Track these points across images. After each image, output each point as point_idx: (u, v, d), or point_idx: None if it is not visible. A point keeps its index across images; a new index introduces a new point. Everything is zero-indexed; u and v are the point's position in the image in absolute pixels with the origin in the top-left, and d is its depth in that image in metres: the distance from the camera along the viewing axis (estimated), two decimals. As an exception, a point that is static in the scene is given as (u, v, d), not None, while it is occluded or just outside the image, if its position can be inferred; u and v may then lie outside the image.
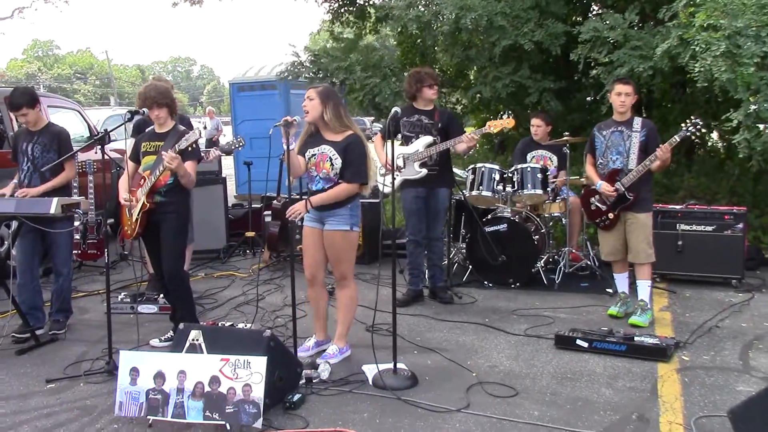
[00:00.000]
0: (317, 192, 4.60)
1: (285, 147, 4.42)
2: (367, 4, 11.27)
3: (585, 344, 4.82)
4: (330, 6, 11.29)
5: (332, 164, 4.54)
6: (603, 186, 5.47)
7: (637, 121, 5.41)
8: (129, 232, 5.03)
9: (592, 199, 5.62)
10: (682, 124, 5.31)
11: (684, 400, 4.03)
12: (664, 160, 5.28)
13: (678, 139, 5.23)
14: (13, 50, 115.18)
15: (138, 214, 4.87)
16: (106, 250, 4.90)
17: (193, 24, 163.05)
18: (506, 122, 5.91)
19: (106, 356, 4.72)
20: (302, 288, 6.23)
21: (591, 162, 5.71)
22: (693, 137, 5.17)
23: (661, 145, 5.23)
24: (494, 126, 5.88)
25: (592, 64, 7.27)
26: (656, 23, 7.24)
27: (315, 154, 4.61)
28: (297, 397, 4.01)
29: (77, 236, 7.10)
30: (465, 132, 6.00)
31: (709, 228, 6.43)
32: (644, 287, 5.51)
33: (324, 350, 4.86)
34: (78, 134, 9.25)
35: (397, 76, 9.32)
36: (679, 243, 6.46)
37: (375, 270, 6.90)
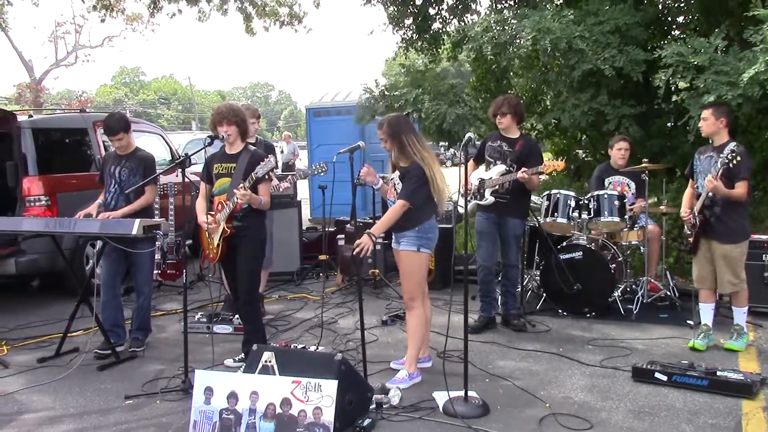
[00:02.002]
0: None
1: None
2: (441, 30, 11.32)
3: (664, 378, 4.66)
4: (404, 34, 11.38)
5: (396, 189, 4.74)
6: (682, 211, 5.55)
7: (729, 147, 5.25)
8: (211, 256, 5.16)
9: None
10: (723, 152, 5.13)
11: (771, 441, 3.85)
12: (712, 189, 5.15)
13: (720, 167, 5.08)
14: (103, 77, 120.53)
15: (219, 240, 4.98)
16: (184, 270, 5.04)
17: (271, 50, 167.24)
18: (557, 164, 5.95)
19: (182, 375, 4.83)
20: (373, 313, 6.27)
21: (691, 185, 5.70)
22: (731, 165, 5.01)
23: (709, 175, 5.15)
24: (547, 167, 5.90)
25: (674, 89, 7.09)
26: (742, 46, 7.01)
27: (391, 179, 4.81)
28: (367, 422, 4.00)
29: (157, 256, 7.32)
30: (541, 163, 5.93)
31: (799, 259, 6.14)
32: (739, 313, 5.47)
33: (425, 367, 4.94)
34: (161, 158, 9.59)
35: (465, 101, 9.32)
36: (766, 275, 6.20)
37: (447, 295, 6.87)
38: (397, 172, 4.75)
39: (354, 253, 4.47)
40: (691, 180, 5.69)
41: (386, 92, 9.74)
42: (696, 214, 5.34)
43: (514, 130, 6.06)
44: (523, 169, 5.75)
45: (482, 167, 6.20)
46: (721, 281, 5.37)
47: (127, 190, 5.61)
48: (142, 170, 5.70)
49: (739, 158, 5.02)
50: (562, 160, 6.07)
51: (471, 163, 6.24)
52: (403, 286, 4.84)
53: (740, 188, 5.20)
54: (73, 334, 5.83)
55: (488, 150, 6.11)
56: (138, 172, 5.69)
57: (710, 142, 5.49)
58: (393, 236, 4.89)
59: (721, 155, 5.07)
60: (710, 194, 5.25)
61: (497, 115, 6.02)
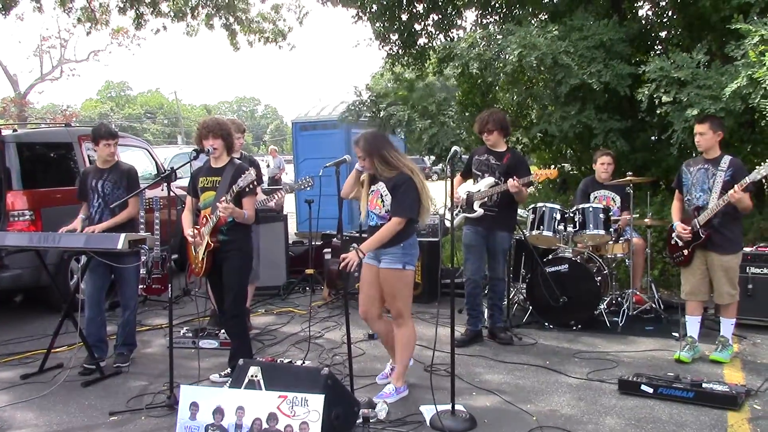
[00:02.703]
0: (374, 228, 4.63)
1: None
2: (427, 45, 11.39)
3: (650, 390, 4.67)
4: (390, 49, 11.44)
5: (383, 201, 4.60)
6: (678, 226, 5.48)
7: (725, 160, 5.30)
8: (197, 270, 5.14)
9: (673, 234, 5.57)
10: (756, 167, 5.14)
11: (756, 452, 3.87)
12: (737, 201, 5.12)
13: (749, 181, 5.08)
14: (88, 91, 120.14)
15: (204, 254, 4.97)
16: (169, 285, 5.02)
17: (258, 65, 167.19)
18: (550, 173, 6.04)
19: (167, 390, 4.79)
20: (360, 326, 6.25)
21: (677, 197, 5.71)
22: (764, 179, 5.03)
23: (735, 187, 5.10)
24: (539, 176, 5.95)
25: (657, 103, 7.16)
26: (724, 61, 7.10)
27: (373, 191, 4.69)
28: (354, 436, 3.99)
29: (143, 271, 7.28)
30: (529, 175, 5.97)
31: (782, 271, 6.19)
32: (726, 325, 5.49)
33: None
34: (147, 172, 9.55)
35: (456, 123, 9.38)
36: (749, 287, 6.25)
37: (434, 309, 6.88)
38: (381, 184, 4.62)
39: (339, 268, 4.46)
40: (677, 192, 5.71)
41: (375, 99, 9.78)
42: (701, 226, 5.31)
43: (501, 144, 6.09)
44: (514, 177, 5.78)
45: (470, 181, 6.22)
46: (720, 293, 5.38)
47: (111, 203, 5.59)
48: (126, 183, 5.67)
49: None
50: (554, 168, 6.11)
51: (458, 177, 6.25)
52: (390, 305, 4.70)
53: (749, 200, 5.24)
54: (57, 350, 5.76)
55: (475, 163, 6.14)
56: (121, 184, 5.66)
57: (700, 154, 5.50)
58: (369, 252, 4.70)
59: (761, 169, 5.01)
60: (722, 207, 5.19)
61: (484, 132, 6.04)
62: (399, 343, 4.81)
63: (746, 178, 5.09)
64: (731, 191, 5.10)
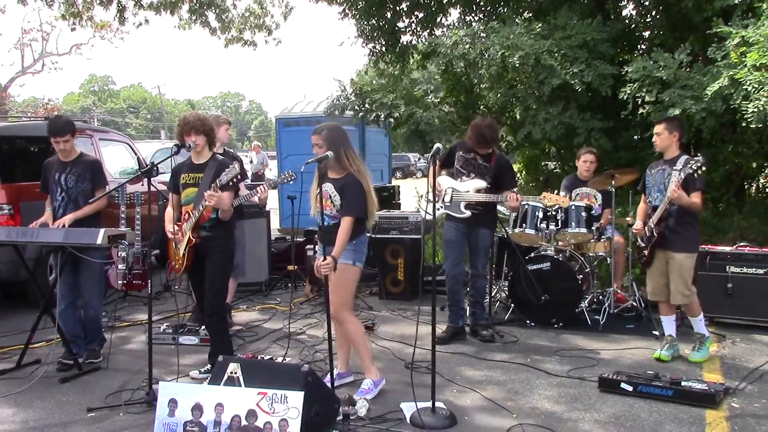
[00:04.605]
0: (325, 228, 4.69)
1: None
2: (409, 44, 11.38)
3: (630, 388, 4.69)
4: (373, 47, 11.42)
5: (332, 201, 4.67)
6: (635, 225, 5.62)
7: (681, 160, 5.34)
8: (177, 266, 5.10)
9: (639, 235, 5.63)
10: (689, 161, 5.18)
11: (734, 450, 3.89)
12: (676, 199, 5.18)
13: (682, 176, 5.13)
14: (71, 85, 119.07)
15: (185, 249, 4.93)
16: (149, 280, 4.98)
17: (242, 60, 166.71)
18: (561, 200, 5.98)
19: (146, 386, 4.75)
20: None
21: (643, 200, 5.76)
22: (696, 174, 5.08)
23: (672, 185, 5.17)
24: (549, 199, 5.96)
25: (640, 102, 7.19)
26: (705, 62, 7.14)
27: (320, 192, 4.72)
28: (333, 433, 3.97)
29: (122, 266, 7.21)
30: (516, 183, 5.98)
31: (761, 271, 6.24)
32: (696, 323, 5.54)
33: (346, 383, 4.91)
34: (128, 167, 9.47)
35: (438, 107, 9.38)
36: (729, 285, 6.29)
37: (415, 306, 6.88)
38: (329, 185, 4.67)
39: (315, 275, 4.51)
40: (643, 195, 5.76)
41: (359, 92, 9.76)
42: (653, 226, 5.39)
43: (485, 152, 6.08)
44: (514, 197, 5.78)
45: (447, 177, 6.19)
46: (674, 293, 5.40)
47: (75, 197, 5.50)
48: (90, 175, 5.56)
49: (703, 169, 5.09)
50: (566, 195, 6.13)
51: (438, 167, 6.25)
52: (332, 299, 4.65)
53: (697, 198, 5.30)
54: (35, 345, 5.71)
55: (460, 160, 6.09)
56: (86, 177, 5.55)
57: (662, 155, 5.57)
58: (322, 248, 4.77)
59: (689, 164, 5.10)
60: (668, 206, 5.29)
61: (485, 142, 5.93)
62: (350, 341, 4.90)
63: (680, 173, 5.15)
64: (670, 189, 5.16)
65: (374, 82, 11.48)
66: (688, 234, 5.39)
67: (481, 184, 5.98)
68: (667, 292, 5.48)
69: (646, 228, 5.48)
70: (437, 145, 4.69)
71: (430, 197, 5.87)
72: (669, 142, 5.43)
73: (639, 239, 5.62)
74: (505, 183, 5.97)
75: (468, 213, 5.95)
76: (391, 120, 9.53)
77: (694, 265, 5.48)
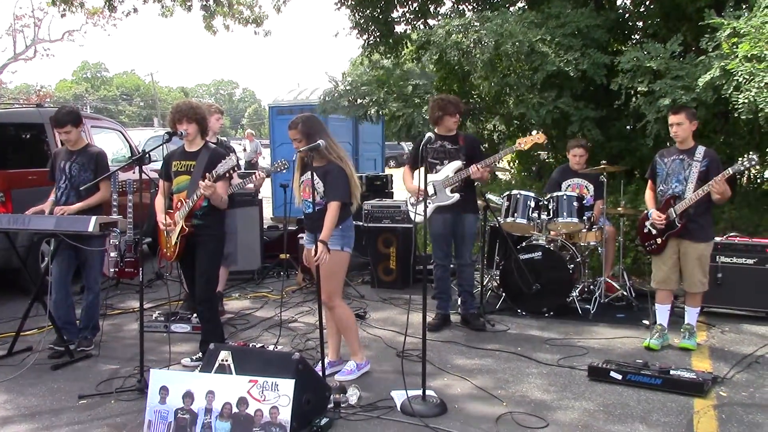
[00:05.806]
0: (310, 215, 4.75)
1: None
2: (403, 34, 11.34)
3: (619, 377, 4.72)
4: (366, 38, 11.39)
5: (316, 189, 4.69)
6: (654, 214, 5.52)
7: (700, 150, 5.36)
8: (168, 254, 5.10)
9: (647, 222, 5.62)
10: (740, 159, 5.20)
11: (720, 438, 3.92)
12: (720, 192, 5.19)
13: (731, 172, 5.13)
14: (63, 71, 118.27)
15: (177, 238, 4.93)
16: (141, 268, 4.98)
17: (236, 48, 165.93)
18: (537, 137, 5.96)
19: (137, 374, 4.77)
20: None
21: (650, 187, 5.76)
22: (745, 172, 5.10)
23: (715, 178, 5.16)
24: (525, 143, 5.94)
25: (632, 93, 7.19)
26: (698, 53, 7.15)
27: (303, 181, 4.79)
28: (324, 421, 3.99)
29: (113, 254, 7.21)
30: (487, 158, 5.99)
31: (750, 261, 6.29)
32: (692, 313, 5.58)
33: (337, 371, 4.93)
34: (120, 154, 9.45)
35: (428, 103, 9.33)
36: (719, 275, 6.33)
37: (406, 295, 6.90)
38: (312, 173, 4.63)
39: (314, 264, 4.51)
40: (650, 182, 5.76)
41: (350, 87, 9.73)
42: (677, 216, 5.36)
43: (453, 127, 6.09)
44: (475, 168, 5.80)
45: (420, 171, 6.17)
46: (692, 282, 5.44)
47: (78, 186, 5.53)
48: (94, 166, 5.60)
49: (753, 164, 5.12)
50: (538, 132, 6.03)
51: (406, 168, 6.27)
52: (323, 286, 4.64)
53: (730, 190, 5.30)
54: (27, 332, 5.71)
55: (430, 152, 6.03)
56: (89, 168, 5.59)
57: (674, 144, 5.55)
58: (311, 237, 4.85)
59: (743, 161, 5.08)
60: (698, 197, 5.25)
61: (447, 115, 5.96)
62: (339, 326, 4.94)
63: (729, 169, 5.14)
64: (713, 182, 5.15)
65: (367, 72, 11.41)
66: (705, 223, 5.43)
67: (458, 164, 5.99)
68: (676, 281, 5.53)
69: (668, 217, 5.41)
70: (429, 134, 4.72)
71: (413, 201, 5.95)
72: (690, 131, 5.40)
73: (649, 227, 5.57)
74: (476, 159, 5.95)
75: (457, 195, 5.95)
76: (384, 113, 9.50)
77: (710, 253, 5.54)
